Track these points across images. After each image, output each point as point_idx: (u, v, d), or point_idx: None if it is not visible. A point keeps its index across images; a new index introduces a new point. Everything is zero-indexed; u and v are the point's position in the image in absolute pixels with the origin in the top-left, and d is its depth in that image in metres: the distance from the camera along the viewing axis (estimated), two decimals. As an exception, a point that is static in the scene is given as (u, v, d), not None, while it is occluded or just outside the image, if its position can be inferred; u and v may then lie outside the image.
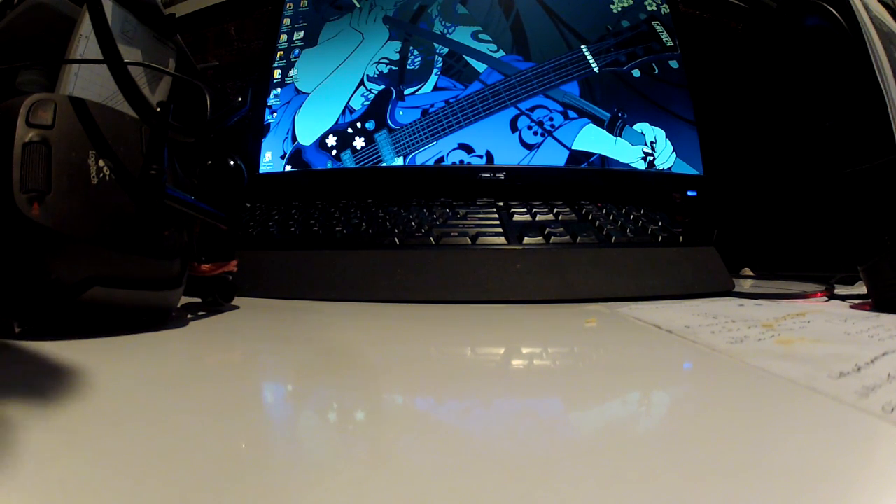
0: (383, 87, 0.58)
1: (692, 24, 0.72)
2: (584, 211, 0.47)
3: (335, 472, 0.11)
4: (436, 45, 0.58)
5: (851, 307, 0.34)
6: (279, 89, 0.60)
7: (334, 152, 0.57)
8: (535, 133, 0.56)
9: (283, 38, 0.62)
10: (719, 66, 0.66)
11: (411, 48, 0.59)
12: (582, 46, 0.57)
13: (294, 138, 0.59)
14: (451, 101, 0.57)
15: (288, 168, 0.58)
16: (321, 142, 0.58)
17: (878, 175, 0.44)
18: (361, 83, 0.58)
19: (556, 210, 0.47)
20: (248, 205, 0.52)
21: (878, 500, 0.10)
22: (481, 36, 0.58)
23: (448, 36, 0.58)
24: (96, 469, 0.11)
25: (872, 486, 0.11)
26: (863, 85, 0.45)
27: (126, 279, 0.23)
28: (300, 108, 0.59)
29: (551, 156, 0.55)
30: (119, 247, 0.23)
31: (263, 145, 0.59)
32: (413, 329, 0.28)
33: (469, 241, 0.41)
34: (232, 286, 0.32)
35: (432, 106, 0.57)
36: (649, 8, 0.59)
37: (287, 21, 0.62)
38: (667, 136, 0.56)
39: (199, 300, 0.32)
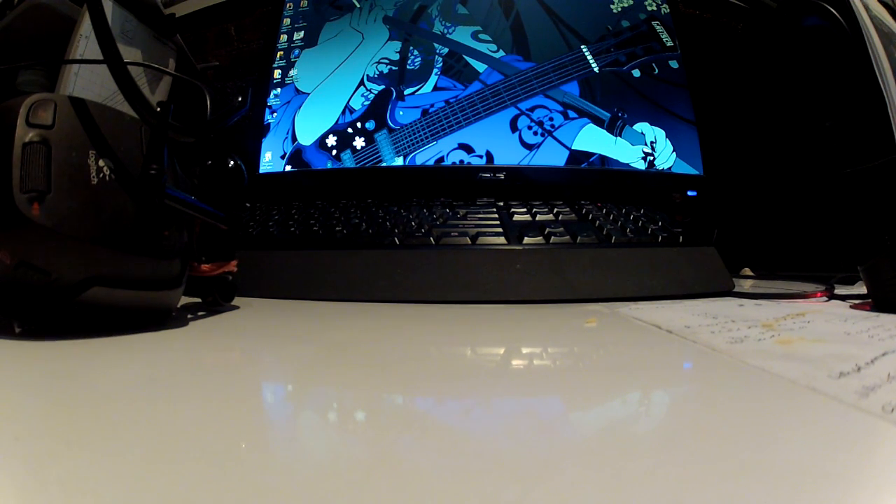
0: (383, 87, 0.58)
1: (692, 24, 0.72)
2: (584, 211, 0.47)
3: (335, 472, 0.11)
4: (436, 45, 0.58)
5: (851, 307, 0.34)
6: (279, 89, 0.60)
7: (334, 152, 0.57)
8: (535, 133, 0.56)
9: (283, 38, 0.62)
10: (719, 66, 0.66)
11: (411, 48, 0.59)
12: (582, 46, 0.57)
13: (294, 138, 0.59)
14: (451, 101, 0.57)
15: (288, 168, 0.58)
16: (321, 142, 0.58)
17: (878, 175, 0.44)
18: (361, 83, 0.58)
19: (556, 210, 0.47)
20: (248, 205, 0.52)
21: (878, 500, 0.10)
22: (481, 36, 0.58)
23: (448, 36, 0.58)
24: (96, 469, 0.11)
25: (872, 486, 0.11)
26: (863, 85, 0.45)
27: (126, 279, 0.23)
28: (300, 108, 0.59)
29: (551, 156, 0.55)
30: (119, 247, 0.23)
31: (263, 145, 0.59)
32: (413, 329, 0.28)
33: (469, 241, 0.41)
34: (232, 286, 0.32)
35: (432, 106, 0.57)
36: (649, 8, 0.59)
37: (287, 21, 0.62)
38: (667, 136, 0.56)
39: (199, 300, 0.32)
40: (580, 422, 0.15)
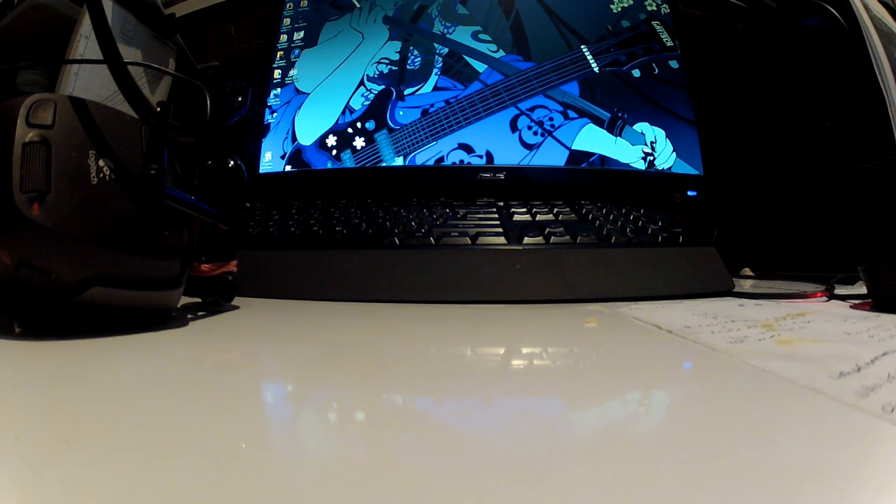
0: (383, 87, 0.58)
1: (692, 24, 0.72)
2: (584, 211, 0.47)
3: (335, 472, 0.11)
4: (436, 45, 0.58)
5: (851, 307, 0.34)
6: (279, 89, 0.60)
7: (334, 152, 0.57)
8: (535, 133, 0.56)
9: (283, 38, 0.62)
10: (719, 66, 0.66)
11: (411, 48, 0.59)
12: (582, 46, 0.57)
13: (294, 138, 0.59)
14: (451, 101, 0.57)
15: (288, 168, 0.58)
16: (321, 142, 0.58)
17: (878, 175, 0.44)
18: (361, 83, 0.58)
19: (556, 210, 0.47)
20: (248, 205, 0.52)
21: (878, 500, 0.10)
22: (481, 36, 0.58)
23: (448, 36, 0.58)
24: (96, 469, 0.11)
25: (872, 486, 0.11)
26: (863, 85, 0.45)
27: (126, 279, 0.23)
28: (300, 108, 0.59)
29: (551, 156, 0.55)
30: (119, 247, 0.23)
31: (263, 145, 0.59)
32: (413, 329, 0.28)
33: (469, 241, 0.41)
34: (232, 286, 0.32)
35: (432, 106, 0.57)
36: (649, 8, 0.59)
37: (287, 21, 0.62)
38: (667, 136, 0.56)
39: (199, 300, 0.32)
40: (580, 422, 0.15)
